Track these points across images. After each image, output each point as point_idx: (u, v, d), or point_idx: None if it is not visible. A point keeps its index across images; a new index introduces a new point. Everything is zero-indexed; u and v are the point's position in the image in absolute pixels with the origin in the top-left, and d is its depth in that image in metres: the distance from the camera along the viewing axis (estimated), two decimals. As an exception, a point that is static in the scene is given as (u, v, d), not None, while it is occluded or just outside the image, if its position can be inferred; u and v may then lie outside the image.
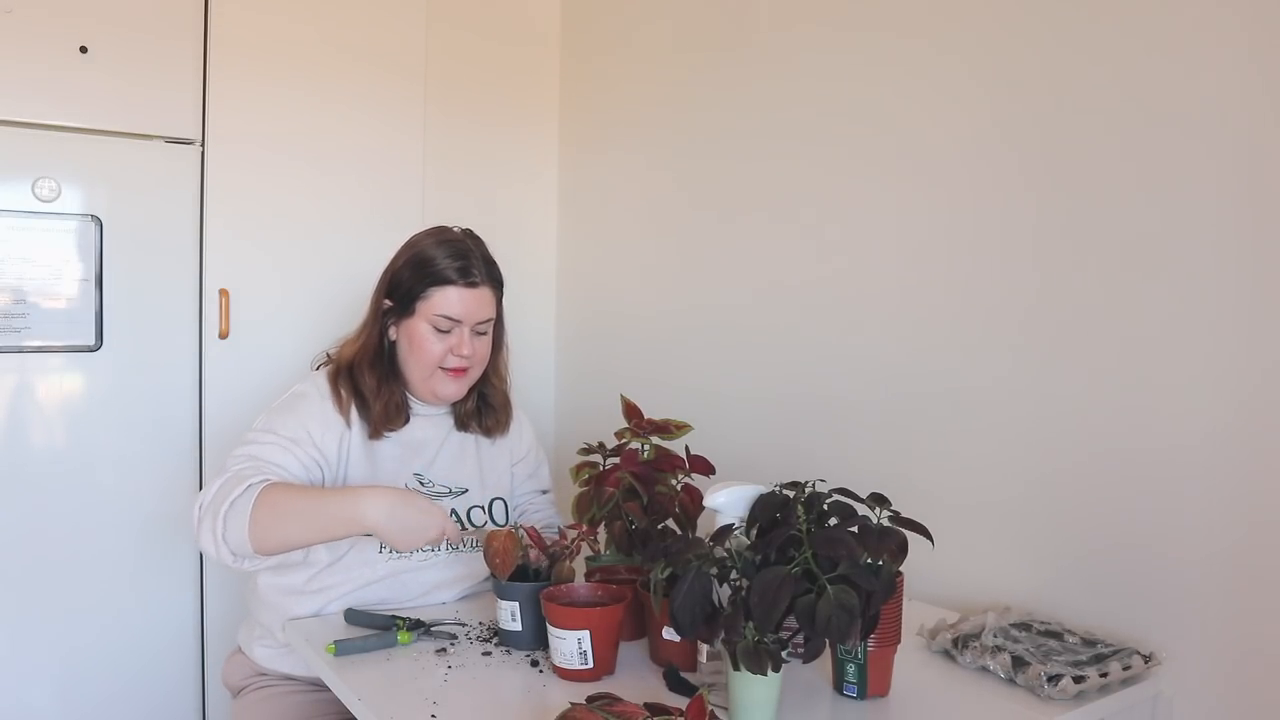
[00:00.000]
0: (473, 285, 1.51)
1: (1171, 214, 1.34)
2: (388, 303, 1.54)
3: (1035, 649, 1.30)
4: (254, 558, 1.36)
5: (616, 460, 1.47)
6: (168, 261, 2.11)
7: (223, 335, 2.15)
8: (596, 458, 1.49)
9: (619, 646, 1.28)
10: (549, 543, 1.43)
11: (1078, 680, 1.19)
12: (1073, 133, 1.46)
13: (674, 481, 1.45)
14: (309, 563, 1.48)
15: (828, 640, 1.11)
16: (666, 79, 2.26)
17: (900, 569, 1.15)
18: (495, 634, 1.40)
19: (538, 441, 1.79)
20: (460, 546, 1.55)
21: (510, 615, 1.34)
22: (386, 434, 1.54)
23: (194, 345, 2.14)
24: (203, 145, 2.12)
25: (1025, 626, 1.39)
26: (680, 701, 1.07)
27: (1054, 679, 1.19)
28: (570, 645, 1.22)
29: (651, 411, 1.50)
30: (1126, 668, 1.26)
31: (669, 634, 1.20)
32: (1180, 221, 1.33)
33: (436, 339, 1.51)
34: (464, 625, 1.44)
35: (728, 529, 1.20)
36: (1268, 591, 1.26)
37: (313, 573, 1.48)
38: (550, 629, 1.24)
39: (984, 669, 1.28)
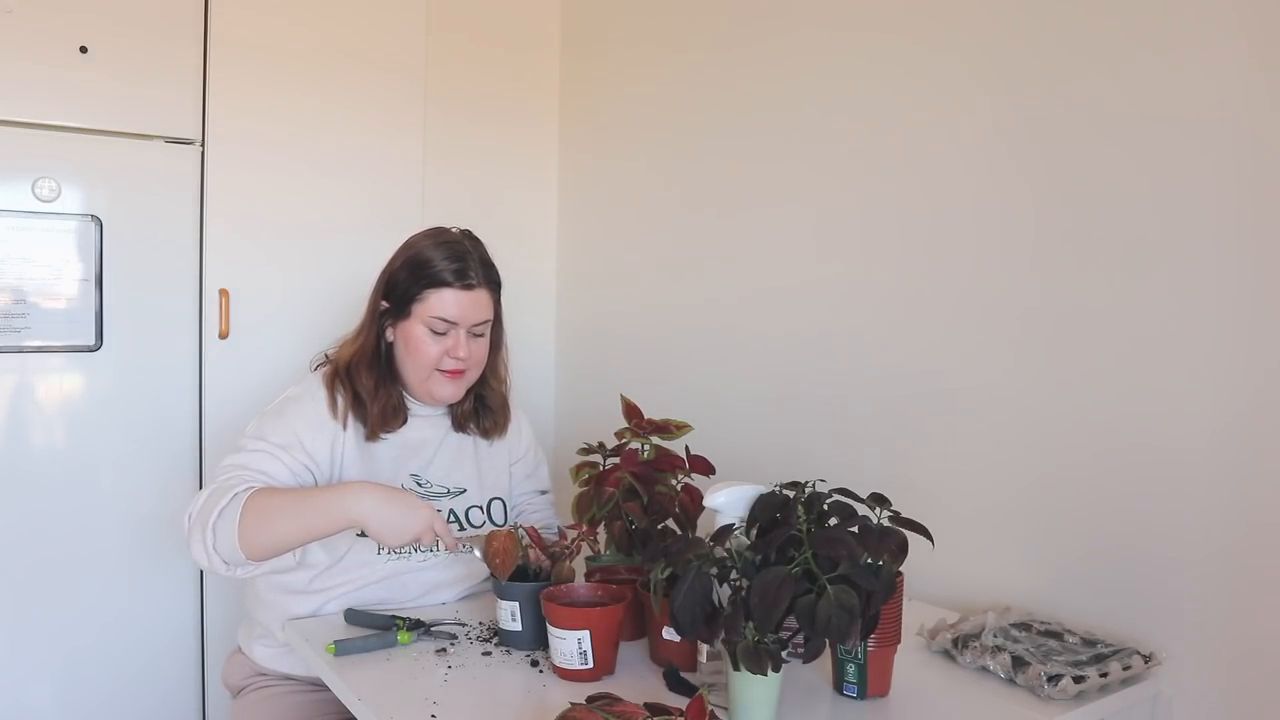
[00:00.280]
0: (469, 287, 1.50)
1: (1171, 213, 1.34)
2: (384, 304, 1.54)
3: (1035, 649, 1.30)
4: (246, 565, 1.36)
5: (616, 460, 1.47)
6: (168, 261, 2.11)
7: (223, 335, 2.15)
8: (596, 458, 1.49)
9: (619, 646, 1.28)
10: (549, 543, 1.43)
11: (1078, 680, 1.19)
12: (1073, 132, 1.46)
13: (674, 481, 1.45)
14: (308, 564, 1.48)
15: (828, 640, 1.11)
16: (666, 80, 2.26)
17: (900, 569, 1.15)
18: (495, 634, 1.40)
19: (536, 442, 1.79)
20: (463, 548, 1.55)
21: (510, 615, 1.34)
22: (384, 435, 1.54)
23: (194, 345, 2.14)
24: (203, 145, 2.12)
25: (1025, 626, 1.39)
26: (680, 701, 1.07)
27: (1054, 679, 1.19)
28: (570, 645, 1.22)
29: (651, 411, 1.50)
30: (1126, 668, 1.26)
31: (669, 634, 1.20)
32: (1180, 221, 1.33)
33: (433, 341, 1.51)
34: (464, 625, 1.44)
35: (728, 529, 1.20)
36: (1268, 591, 1.26)
37: (313, 574, 1.48)
38: (550, 629, 1.24)
39: (984, 669, 1.27)
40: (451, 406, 1.62)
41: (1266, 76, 1.25)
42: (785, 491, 1.20)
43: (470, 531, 1.58)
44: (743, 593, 1.10)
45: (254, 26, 2.16)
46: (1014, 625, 1.39)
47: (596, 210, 2.53)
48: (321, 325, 1.88)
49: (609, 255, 2.48)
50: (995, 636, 1.33)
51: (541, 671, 1.27)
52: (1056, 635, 1.36)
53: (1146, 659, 1.30)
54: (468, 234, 1.57)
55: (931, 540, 1.17)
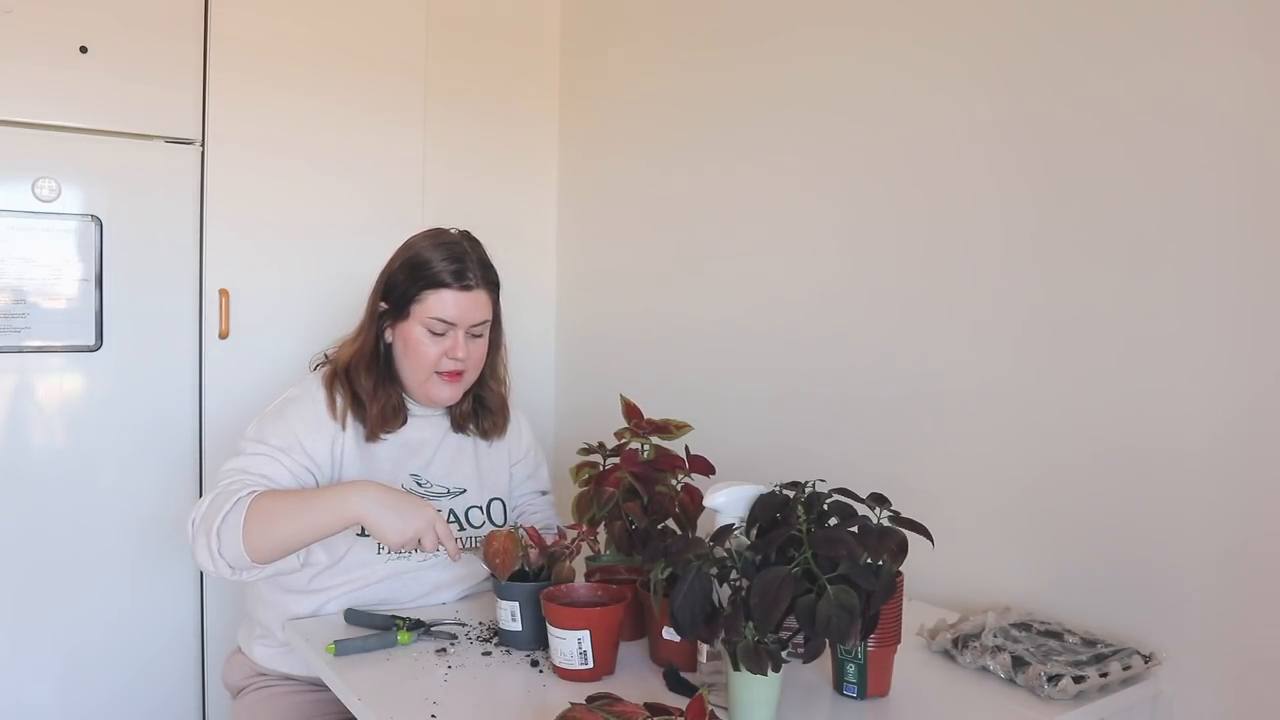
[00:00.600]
0: (467, 288, 1.50)
1: (1173, 214, 1.34)
2: (383, 305, 1.54)
3: (1035, 649, 1.30)
4: (252, 568, 1.37)
5: (616, 460, 1.47)
6: (168, 261, 2.11)
7: (223, 335, 2.15)
8: (596, 458, 1.49)
9: (619, 646, 1.28)
10: (549, 543, 1.43)
11: (1078, 680, 1.19)
12: (1074, 132, 1.46)
13: (674, 481, 1.45)
14: (308, 563, 1.48)
15: (828, 640, 1.11)
16: (666, 80, 2.26)
17: (900, 569, 1.15)
18: (495, 634, 1.40)
19: (537, 442, 1.79)
20: (466, 546, 1.55)
21: (510, 615, 1.34)
22: (384, 435, 1.54)
23: (194, 345, 2.14)
24: (203, 145, 2.12)
25: (1025, 626, 1.39)
26: (680, 701, 1.07)
27: (1054, 679, 1.19)
28: (570, 645, 1.22)
29: (651, 411, 1.50)
30: (1126, 668, 1.26)
31: (669, 634, 1.20)
32: (1182, 222, 1.33)
33: (431, 341, 1.51)
34: (464, 625, 1.44)
35: (728, 529, 1.20)
36: (1268, 592, 1.25)
37: (313, 573, 1.48)
38: (550, 629, 1.24)
39: (984, 669, 1.27)
40: (450, 407, 1.62)
41: (1269, 76, 1.25)
42: (785, 491, 1.20)
43: (470, 532, 1.58)
44: (743, 593, 1.10)
45: (254, 26, 2.16)
46: (1014, 625, 1.39)
47: (596, 210, 2.53)
48: (321, 325, 1.88)
49: (609, 255, 2.48)
50: (995, 636, 1.33)
51: (541, 671, 1.27)
52: (1056, 635, 1.36)
53: (1146, 659, 1.29)
54: (466, 235, 1.57)
55: (931, 540, 1.17)
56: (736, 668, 1.06)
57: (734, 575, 1.14)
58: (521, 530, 1.40)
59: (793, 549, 1.11)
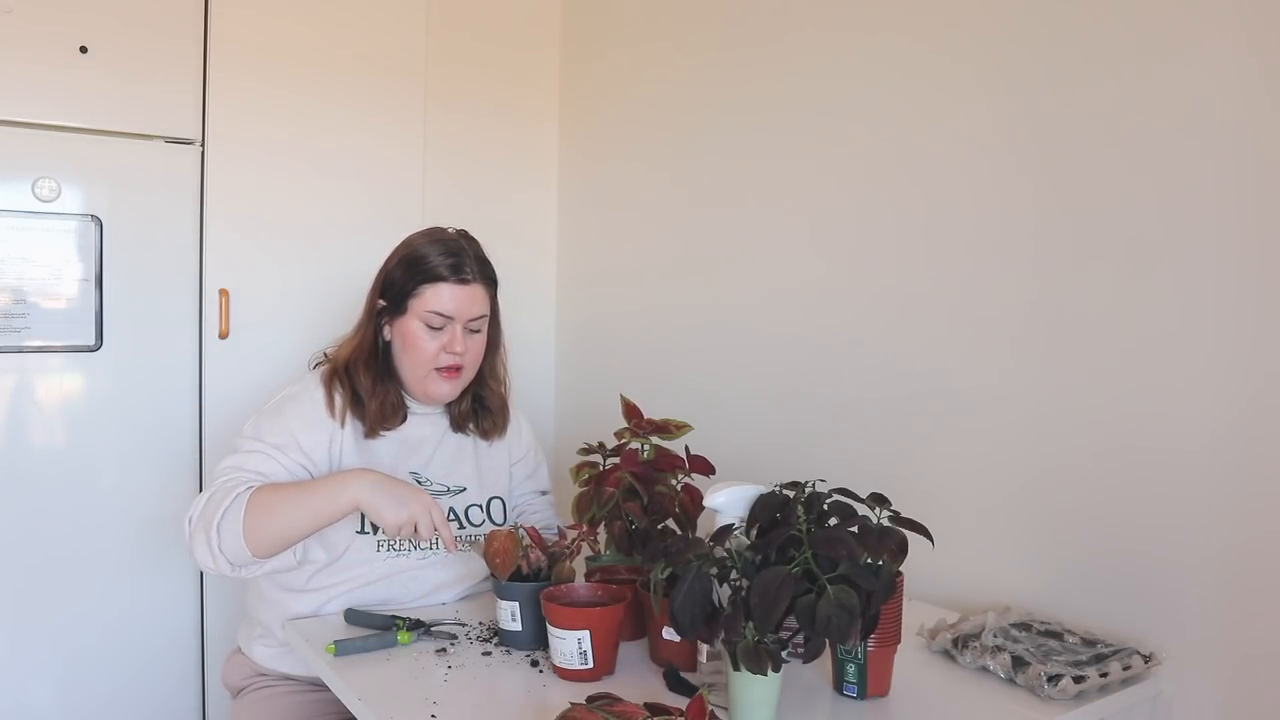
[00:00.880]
0: (464, 282, 1.51)
1: (1173, 214, 1.34)
2: (381, 302, 1.55)
3: (1035, 649, 1.30)
4: (252, 563, 1.38)
5: (616, 460, 1.47)
6: (168, 261, 2.11)
7: (223, 335, 2.15)
8: (596, 458, 1.49)
9: (619, 646, 1.28)
10: (549, 543, 1.43)
11: (1078, 680, 1.19)
12: (1074, 132, 1.46)
13: (674, 481, 1.45)
14: (307, 561, 1.48)
15: (828, 640, 1.11)
16: (666, 80, 2.26)
17: (900, 569, 1.15)
18: (495, 634, 1.40)
19: (537, 442, 1.79)
20: (461, 549, 1.55)
21: (510, 615, 1.34)
22: (383, 432, 1.54)
23: (194, 345, 2.14)
24: (203, 145, 2.12)
25: (1025, 626, 1.39)
26: (680, 701, 1.07)
27: (1054, 679, 1.19)
28: (570, 645, 1.22)
29: (651, 411, 1.50)
30: (1126, 668, 1.26)
31: (669, 634, 1.20)
32: (1181, 222, 1.33)
33: (429, 336, 1.51)
34: (464, 625, 1.44)
35: (728, 529, 1.20)
36: (1268, 591, 1.26)
37: (311, 571, 1.48)
38: (550, 629, 1.24)
39: (984, 669, 1.27)
40: (449, 406, 1.62)
41: (1268, 76, 1.25)
42: (785, 491, 1.20)
43: (470, 531, 1.58)
44: (743, 593, 1.10)
45: (254, 26, 2.16)
46: (1014, 625, 1.39)
47: (596, 210, 2.53)
48: (321, 325, 1.88)
49: (609, 255, 2.48)
50: (995, 636, 1.33)
51: (541, 671, 1.27)
52: (1056, 635, 1.36)
53: (1146, 659, 1.29)
54: (463, 233, 1.58)
55: (931, 540, 1.17)
56: (736, 668, 1.06)
57: (734, 575, 1.14)
58: (522, 530, 1.41)
59: (793, 549, 1.11)
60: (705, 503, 1.30)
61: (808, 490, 1.18)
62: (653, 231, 2.31)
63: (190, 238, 2.13)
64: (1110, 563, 1.41)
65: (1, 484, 1.97)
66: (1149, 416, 1.37)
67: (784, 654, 1.09)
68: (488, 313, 1.56)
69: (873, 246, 1.77)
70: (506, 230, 2.51)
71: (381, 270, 1.57)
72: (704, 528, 1.32)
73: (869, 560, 1.10)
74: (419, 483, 1.56)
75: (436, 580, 1.54)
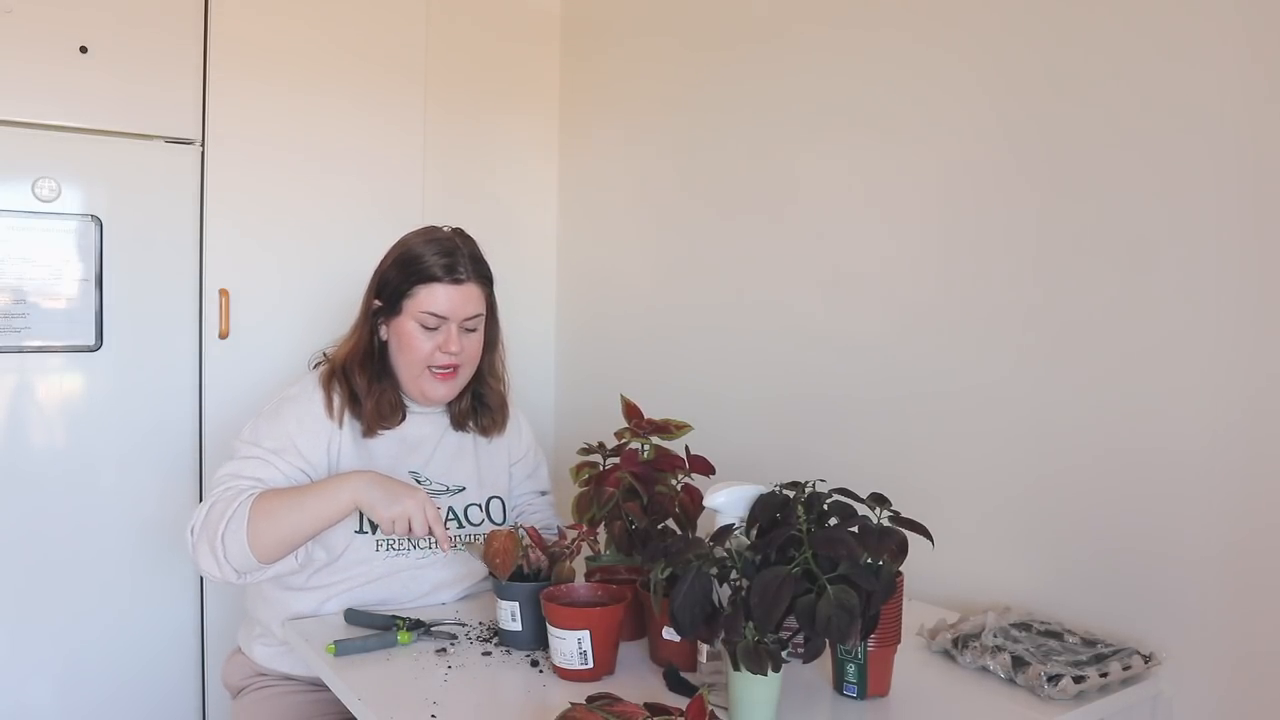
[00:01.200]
0: (458, 282, 1.51)
1: (1174, 216, 1.34)
2: (377, 302, 1.55)
3: (1035, 649, 1.30)
4: (256, 570, 1.39)
5: (616, 460, 1.47)
6: (168, 261, 2.11)
7: (223, 335, 2.15)
8: (596, 458, 1.49)
9: (619, 646, 1.28)
10: (549, 543, 1.43)
11: (1078, 680, 1.19)
12: (1075, 133, 1.46)
13: (674, 481, 1.45)
14: (306, 560, 1.48)
15: (828, 640, 1.11)
16: (667, 78, 2.26)
17: (900, 569, 1.15)
18: (495, 634, 1.40)
19: (536, 442, 1.79)
20: (457, 547, 1.55)
21: (510, 615, 1.34)
22: (382, 431, 1.54)
23: (194, 345, 2.14)
24: (203, 145, 2.12)
25: (1025, 626, 1.39)
26: (680, 701, 1.07)
27: (1054, 679, 1.19)
28: (570, 645, 1.22)
29: (651, 411, 1.50)
30: (1126, 668, 1.26)
31: (669, 634, 1.20)
32: (1183, 223, 1.33)
33: (424, 336, 1.51)
34: (464, 625, 1.44)
35: (728, 529, 1.20)
36: (1268, 591, 1.26)
37: (311, 570, 1.48)
38: (550, 629, 1.24)
39: (984, 669, 1.27)
40: (449, 405, 1.63)
41: (1269, 76, 1.25)
42: (785, 491, 1.20)
43: (469, 530, 1.58)
44: (743, 593, 1.10)
45: (254, 26, 2.16)
46: (1014, 625, 1.39)
47: (597, 209, 2.53)
48: (321, 325, 1.88)
49: (609, 255, 2.48)
50: (995, 636, 1.33)
51: (541, 671, 1.27)
52: (1056, 635, 1.36)
53: (1146, 659, 1.29)
54: (459, 232, 1.58)
55: (931, 540, 1.17)
56: (736, 668, 1.06)
57: (734, 575, 1.14)
58: (522, 530, 1.41)
59: (793, 549, 1.11)
60: (705, 503, 1.30)
61: (808, 490, 1.17)
62: (654, 230, 2.31)
63: (190, 238, 2.13)
64: (1110, 563, 1.41)
65: (1, 484, 1.97)
66: (1149, 417, 1.37)
67: (784, 654, 1.09)
68: (483, 312, 1.56)
69: (875, 247, 1.77)
70: (507, 228, 2.51)
71: (377, 270, 1.57)
72: (704, 528, 1.32)
73: (869, 560, 1.10)
74: (418, 482, 1.56)
75: (436, 580, 1.54)
